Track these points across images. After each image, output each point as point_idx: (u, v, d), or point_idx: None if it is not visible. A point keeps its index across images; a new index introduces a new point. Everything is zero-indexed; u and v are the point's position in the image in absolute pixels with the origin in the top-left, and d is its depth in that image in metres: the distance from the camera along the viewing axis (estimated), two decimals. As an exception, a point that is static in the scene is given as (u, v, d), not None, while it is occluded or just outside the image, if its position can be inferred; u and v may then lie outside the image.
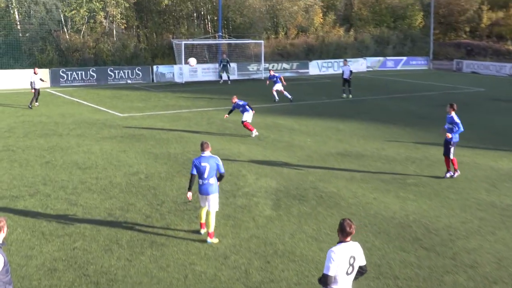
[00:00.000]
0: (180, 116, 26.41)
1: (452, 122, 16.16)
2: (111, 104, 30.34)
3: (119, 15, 44.79)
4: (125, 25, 46.24)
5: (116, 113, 27.14)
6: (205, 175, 11.19)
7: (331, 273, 6.91)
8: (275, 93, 31.06)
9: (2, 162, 17.51)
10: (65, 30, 43.94)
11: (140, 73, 41.25)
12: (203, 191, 11.34)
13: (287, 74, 46.10)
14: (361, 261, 7.19)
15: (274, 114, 27.18)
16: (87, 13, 43.43)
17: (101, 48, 43.85)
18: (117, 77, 40.54)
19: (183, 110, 28.27)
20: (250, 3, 51.19)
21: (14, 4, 42.59)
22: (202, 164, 11.18)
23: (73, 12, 42.85)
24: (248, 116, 21.56)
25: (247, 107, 21.51)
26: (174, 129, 23.08)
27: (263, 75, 43.93)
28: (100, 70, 40.38)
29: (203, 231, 11.72)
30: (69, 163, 17.39)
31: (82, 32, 44.07)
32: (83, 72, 39.55)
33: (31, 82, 29.04)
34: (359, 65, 49.82)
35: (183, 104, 30.59)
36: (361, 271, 7.27)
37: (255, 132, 21.82)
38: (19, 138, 21.13)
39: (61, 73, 38.65)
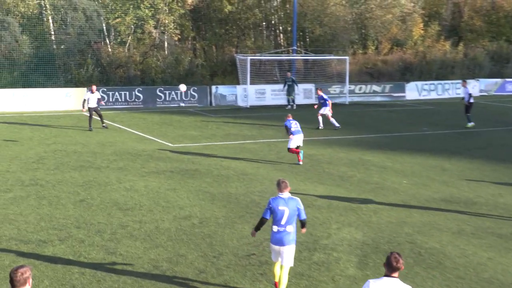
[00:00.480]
0: (244, 148, 26.64)
1: None
2: (159, 131, 30.96)
3: (172, 24, 45.75)
4: (179, 36, 47.23)
5: (166, 143, 27.65)
6: (283, 221, 11.03)
7: None
8: (320, 118, 31.97)
9: (28, 199, 18.02)
10: (107, 41, 45.23)
11: (195, 94, 41.90)
12: (277, 241, 11.18)
13: (377, 99, 45.99)
14: None
15: (360, 147, 27.03)
16: (134, 22, 44.54)
17: (149, 63, 44.77)
18: (168, 99, 41.30)
19: (247, 141, 28.52)
20: (332, 11, 51.49)
21: (48, 11, 43.96)
22: (280, 207, 11.04)
23: (117, 20, 44.00)
24: (298, 140, 23.33)
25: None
26: (235, 164, 23.28)
27: (347, 99, 43.91)
28: (147, 90, 41.24)
29: (277, 291, 11.63)
30: (107, 203, 17.75)
31: (127, 44, 45.26)
32: (127, 93, 40.51)
33: (84, 100, 30.78)
34: (471, 88, 48.77)
35: (247, 133, 30.88)
36: None
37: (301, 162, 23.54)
38: (49, 171, 21.77)
39: (101, 93, 39.20)
